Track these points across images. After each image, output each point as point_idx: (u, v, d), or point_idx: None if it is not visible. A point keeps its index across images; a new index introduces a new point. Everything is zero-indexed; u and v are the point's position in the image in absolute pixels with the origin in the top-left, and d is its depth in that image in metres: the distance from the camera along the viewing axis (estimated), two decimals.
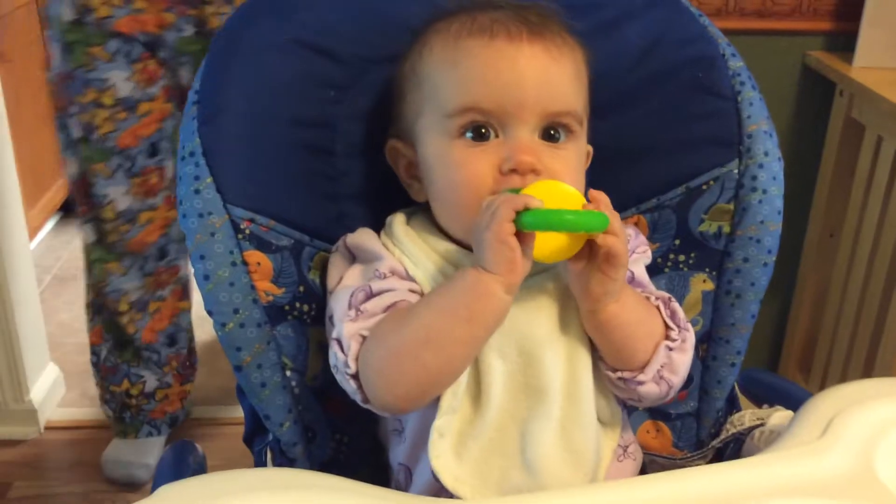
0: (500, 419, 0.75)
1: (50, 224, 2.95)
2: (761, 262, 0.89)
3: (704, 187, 0.91)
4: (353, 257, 0.82)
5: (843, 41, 1.76)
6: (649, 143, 0.92)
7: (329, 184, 0.87)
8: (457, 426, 0.75)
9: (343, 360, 0.73)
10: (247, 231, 0.80)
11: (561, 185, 0.71)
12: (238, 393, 0.84)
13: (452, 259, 0.79)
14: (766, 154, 0.89)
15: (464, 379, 0.75)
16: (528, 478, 0.74)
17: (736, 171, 0.89)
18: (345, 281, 0.80)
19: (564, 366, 0.76)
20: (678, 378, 0.78)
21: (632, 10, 0.91)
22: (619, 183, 0.87)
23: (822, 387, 1.85)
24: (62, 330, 2.37)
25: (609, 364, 0.77)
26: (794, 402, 0.89)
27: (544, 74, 0.76)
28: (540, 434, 0.74)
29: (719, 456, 0.91)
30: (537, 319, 0.77)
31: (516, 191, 0.72)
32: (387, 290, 0.76)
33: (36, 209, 2.65)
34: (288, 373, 0.82)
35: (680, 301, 0.91)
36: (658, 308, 0.79)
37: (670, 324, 0.78)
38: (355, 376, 0.73)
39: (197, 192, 0.78)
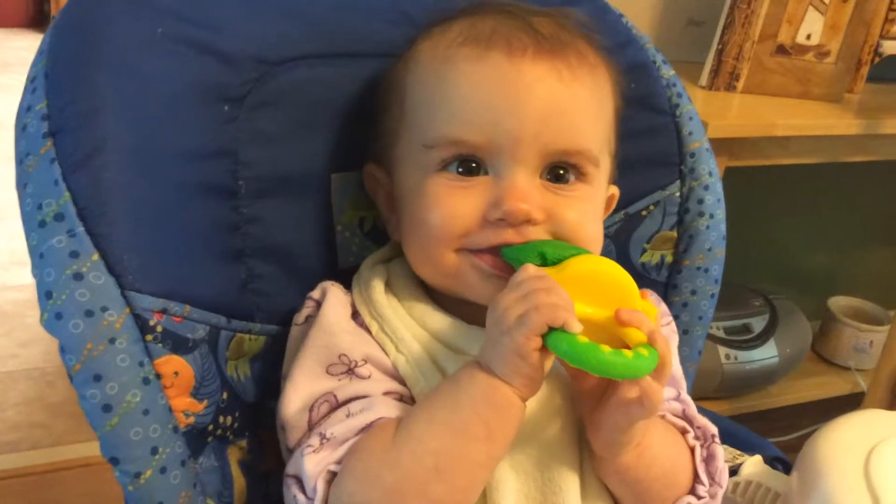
0: None
1: None
2: (708, 294, 0.81)
3: (644, 213, 0.80)
4: None
5: None
6: None
7: (231, 236, 0.63)
8: None
9: None
10: (158, 328, 0.53)
11: (614, 270, 0.54)
12: None
13: (447, 339, 0.60)
14: (710, 174, 0.80)
15: None
16: None
17: (678, 193, 0.80)
18: (296, 374, 0.58)
19: (579, 479, 0.60)
20: None
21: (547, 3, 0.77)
22: None
23: None
24: None
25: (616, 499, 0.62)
26: (742, 441, 0.84)
27: (550, 103, 0.58)
28: None
29: None
30: (553, 422, 0.59)
31: (527, 249, 0.56)
32: (358, 398, 0.56)
33: None
34: None
35: None
36: (693, 450, 0.62)
37: (701, 475, 0.62)
38: None
39: (78, 276, 0.50)
